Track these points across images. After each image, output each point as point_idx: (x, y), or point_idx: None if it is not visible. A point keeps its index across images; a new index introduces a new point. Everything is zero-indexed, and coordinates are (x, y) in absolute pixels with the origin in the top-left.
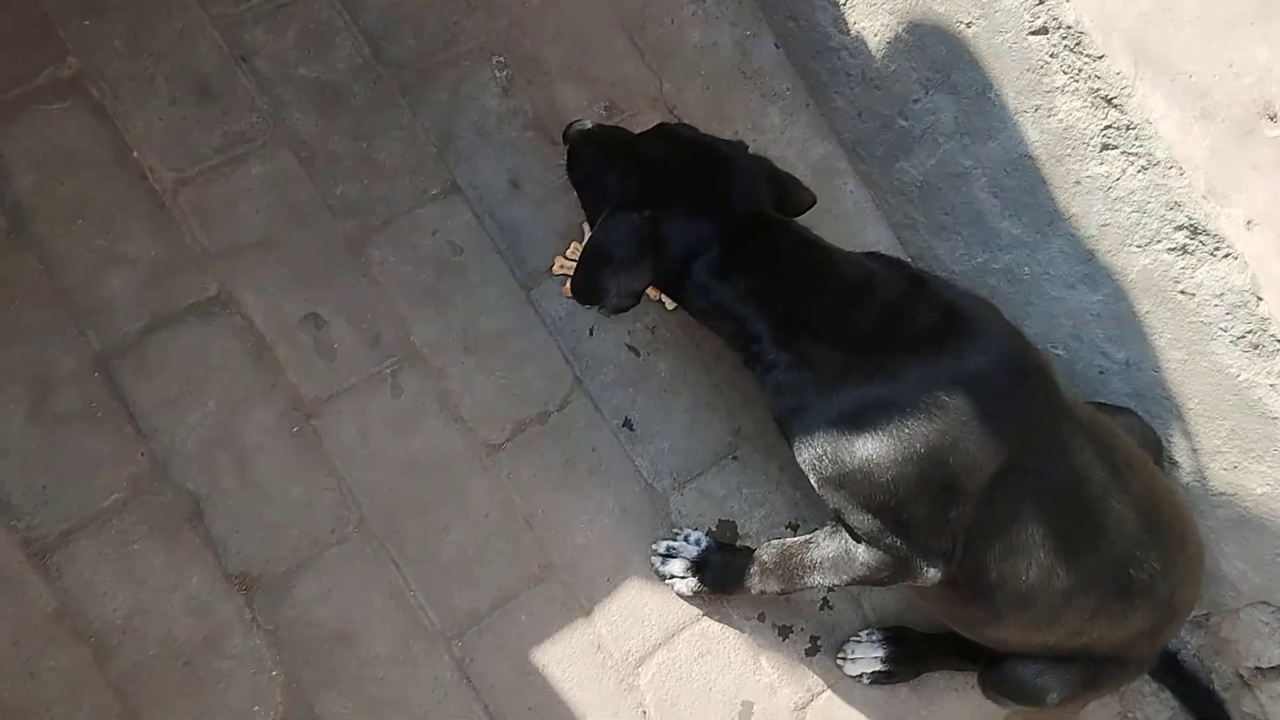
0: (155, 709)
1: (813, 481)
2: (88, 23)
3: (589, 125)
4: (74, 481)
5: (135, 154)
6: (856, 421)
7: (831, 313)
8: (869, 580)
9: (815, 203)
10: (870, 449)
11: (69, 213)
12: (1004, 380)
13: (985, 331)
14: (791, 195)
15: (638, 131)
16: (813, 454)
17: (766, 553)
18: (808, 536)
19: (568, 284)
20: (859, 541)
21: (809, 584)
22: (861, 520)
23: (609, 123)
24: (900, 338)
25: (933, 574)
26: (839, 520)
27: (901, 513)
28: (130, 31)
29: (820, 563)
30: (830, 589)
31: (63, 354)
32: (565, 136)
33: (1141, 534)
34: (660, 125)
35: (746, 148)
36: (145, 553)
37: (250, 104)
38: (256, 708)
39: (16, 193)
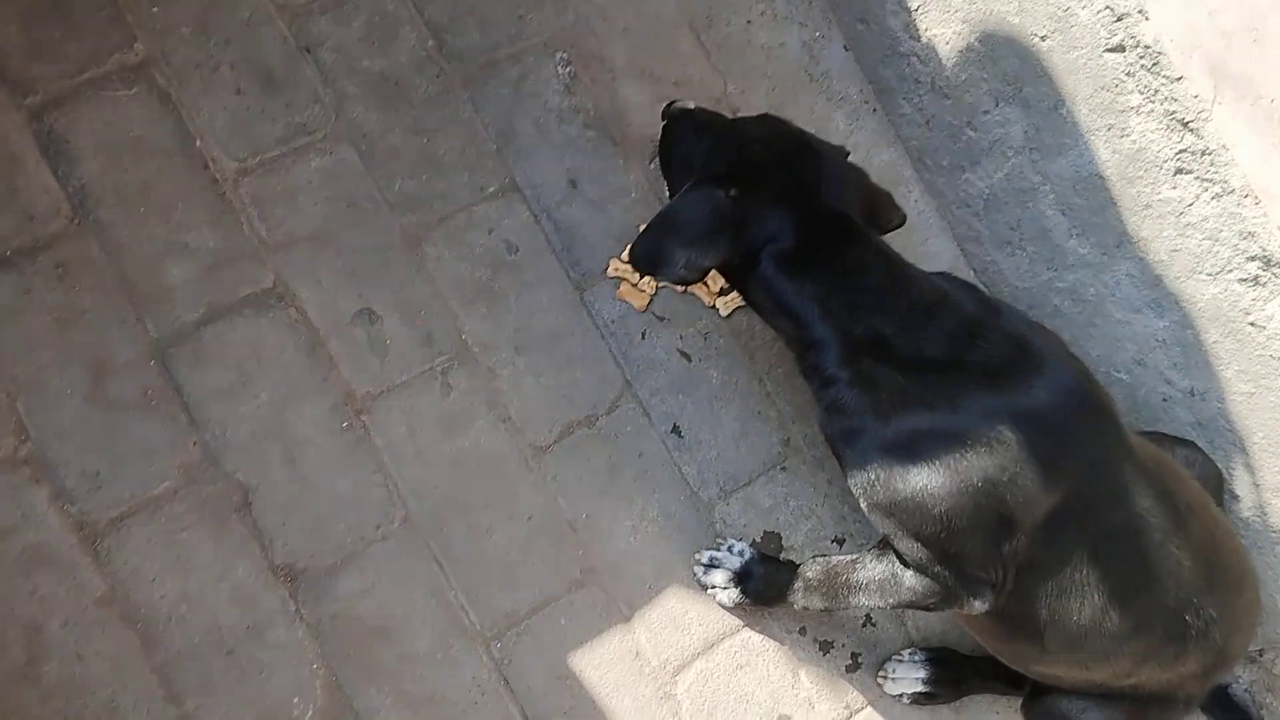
0: (198, 695)
1: (863, 506)
2: (156, 9)
3: (691, 105)
4: (127, 467)
5: (198, 143)
6: (913, 449)
7: (899, 332)
8: (914, 606)
9: (904, 222)
10: (925, 478)
11: (132, 199)
12: (1068, 419)
13: (1053, 368)
14: (882, 212)
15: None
16: (865, 479)
17: (811, 569)
18: (854, 557)
19: (622, 286)
20: (907, 567)
21: (853, 604)
22: (910, 548)
23: None
24: (966, 366)
25: (979, 605)
26: (888, 544)
27: (952, 544)
28: (198, 19)
29: (866, 584)
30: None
31: (121, 340)
32: (665, 113)
33: (1199, 581)
34: (765, 114)
35: (847, 154)
36: (194, 541)
37: (313, 95)
38: (296, 699)
39: (81, 178)
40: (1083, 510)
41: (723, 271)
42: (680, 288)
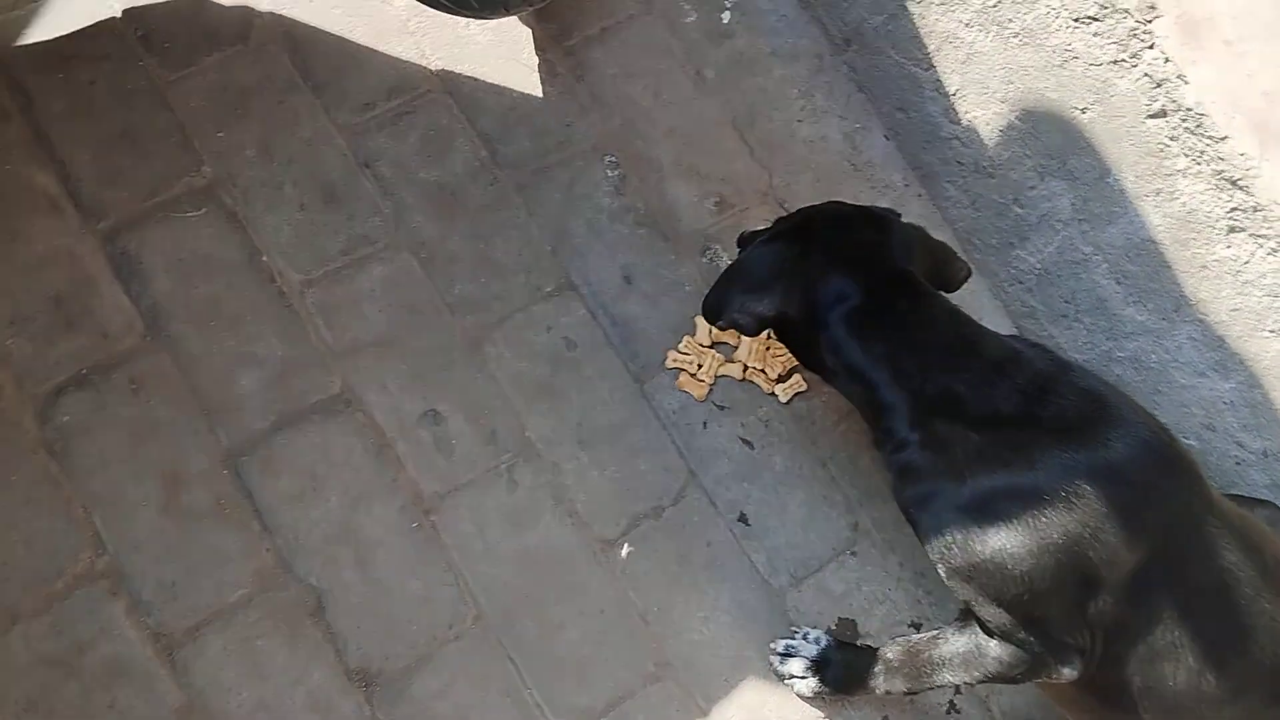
0: None
1: (941, 572)
2: (221, 134)
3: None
4: (202, 577)
5: (265, 257)
6: (990, 509)
7: (971, 390)
8: (1001, 678)
9: (970, 275)
10: (1004, 539)
11: (202, 314)
12: (1147, 471)
13: (1130, 421)
14: (947, 266)
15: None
16: (942, 543)
17: (891, 650)
18: (935, 632)
19: (681, 377)
20: (990, 636)
21: (937, 682)
22: (993, 614)
23: (720, 217)
24: (1041, 422)
25: (1068, 672)
26: (969, 614)
27: (1036, 607)
28: (261, 141)
29: (949, 659)
30: (959, 689)
31: (194, 451)
32: (740, 241)
33: None
34: (831, 201)
35: (900, 215)
36: (269, 648)
37: (373, 208)
38: None
39: (154, 295)
40: (1169, 567)
41: (792, 342)
42: (739, 376)
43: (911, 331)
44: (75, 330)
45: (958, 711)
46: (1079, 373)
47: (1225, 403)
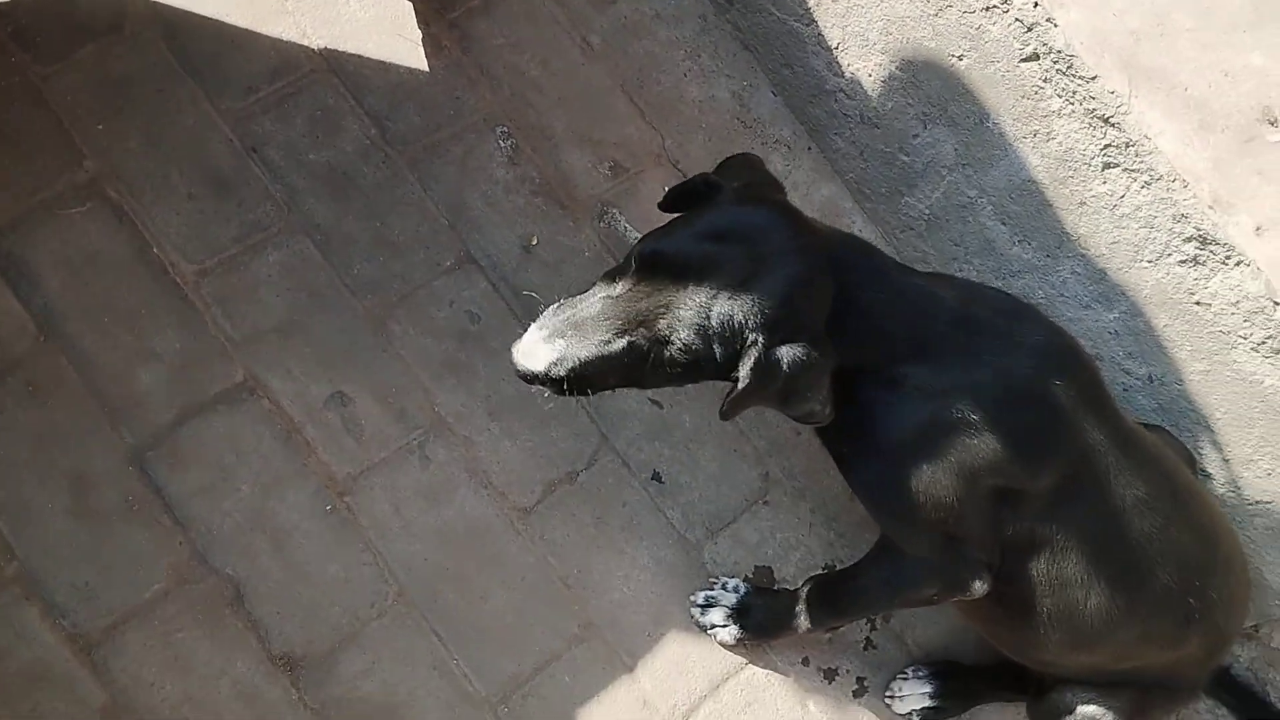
0: None
1: (866, 503)
2: (101, 126)
3: (535, 367)
4: (116, 575)
5: (156, 250)
6: (916, 439)
7: (908, 334)
8: (916, 599)
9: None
10: (930, 466)
11: (96, 312)
12: (1066, 396)
13: (1037, 343)
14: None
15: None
16: (870, 476)
17: (811, 588)
18: (852, 565)
19: None
20: (904, 560)
21: (856, 610)
22: (912, 537)
23: (615, 182)
24: (958, 351)
25: (979, 586)
26: (884, 544)
27: (960, 527)
28: (143, 131)
29: (867, 587)
30: (874, 625)
31: (98, 451)
32: (528, 374)
33: (1201, 562)
34: (635, 253)
35: (711, 182)
36: (190, 640)
37: (264, 193)
38: None
39: (44, 296)
40: (1086, 487)
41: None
42: None
43: (855, 305)
44: None
45: (874, 647)
46: (992, 297)
47: (1110, 332)
